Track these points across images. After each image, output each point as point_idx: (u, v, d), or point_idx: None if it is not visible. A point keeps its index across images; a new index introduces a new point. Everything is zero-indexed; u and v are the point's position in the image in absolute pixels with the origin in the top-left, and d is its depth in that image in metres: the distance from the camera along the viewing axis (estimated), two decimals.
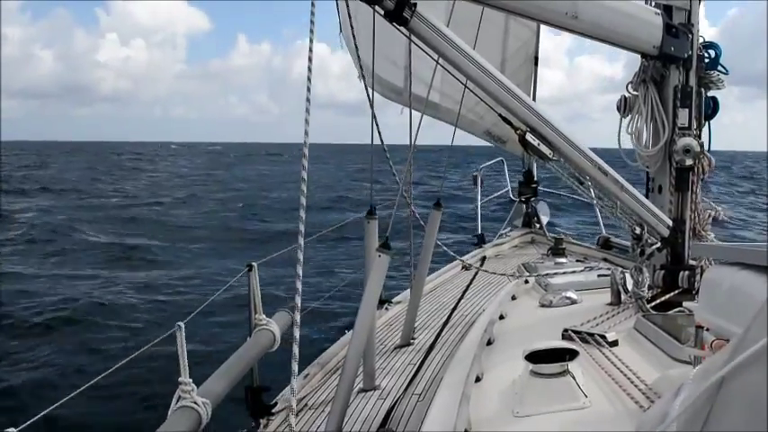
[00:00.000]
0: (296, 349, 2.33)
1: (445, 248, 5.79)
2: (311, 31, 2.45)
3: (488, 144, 8.33)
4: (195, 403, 2.25)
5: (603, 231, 7.66)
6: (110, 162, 71.54)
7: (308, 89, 2.39)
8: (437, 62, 3.23)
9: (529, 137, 3.31)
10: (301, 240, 2.38)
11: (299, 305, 2.39)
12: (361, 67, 4.43)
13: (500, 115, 3.45)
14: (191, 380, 2.26)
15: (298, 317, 2.40)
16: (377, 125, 3.57)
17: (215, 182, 43.23)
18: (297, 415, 3.66)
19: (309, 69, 2.41)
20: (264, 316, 2.96)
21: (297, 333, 2.37)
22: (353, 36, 4.07)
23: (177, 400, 2.25)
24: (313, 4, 2.46)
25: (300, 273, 2.38)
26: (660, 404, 1.08)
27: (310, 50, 2.44)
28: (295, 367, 2.30)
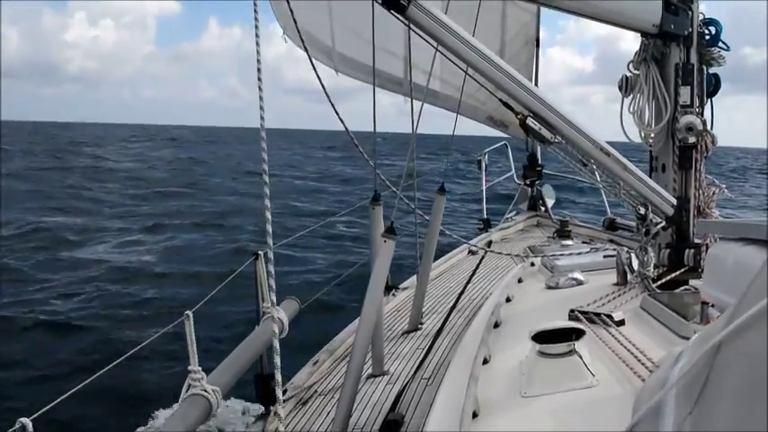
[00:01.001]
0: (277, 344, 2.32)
1: (451, 235, 5.83)
2: (256, 19, 2.39)
3: (485, 135, 8.33)
4: (205, 391, 2.27)
5: (609, 212, 7.66)
6: (51, 144, 67.99)
7: (259, 78, 2.35)
8: (436, 49, 3.24)
9: (530, 121, 3.31)
10: (269, 237, 2.33)
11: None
12: (302, 39, 4.45)
13: (500, 100, 3.45)
14: (200, 368, 2.28)
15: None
16: (374, 116, 3.58)
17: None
18: (307, 402, 3.69)
19: (259, 63, 2.37)
20: (272, 303, 2.98)
21: (276, 329, 2.35)
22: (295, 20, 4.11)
23: (187, 389, 2.28)
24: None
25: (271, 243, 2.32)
26: (659, 372, 1.09)
27: (257, 46, 2.39)
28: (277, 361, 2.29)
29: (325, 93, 4.05)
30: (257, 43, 2.32)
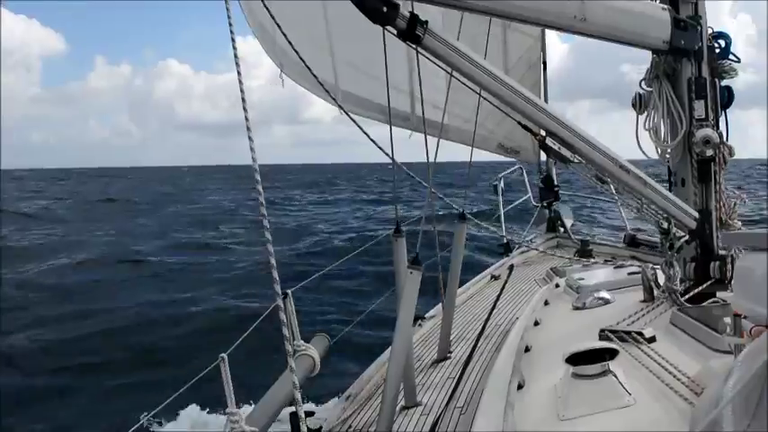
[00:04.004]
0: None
1: (479, 223, 5.79)
2: (233, 38, 2.39)
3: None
4: None
5: (628, 229, 7.64)
6: None
7: (244, 107, 2.35)
8: (451, 75, 3.26)
9: (549, 141, 3.33)
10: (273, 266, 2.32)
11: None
12: (320, 82, 4.47)
13: (519, 122, 3.47)
14: (239, 410, 2.29)
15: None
16: (391, 150, 3.60)
17: None
18: None
19: (242, 90, 2.37)
20: (303, 341, 2.99)
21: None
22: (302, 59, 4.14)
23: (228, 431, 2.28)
24: (230, 17, 2.41)
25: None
26: (712, 390, 1.09)
27: (238, 71, 2.39)
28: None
29: (362, 130, 4.03)
30: (240, 81, 2.33)
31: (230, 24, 2.36)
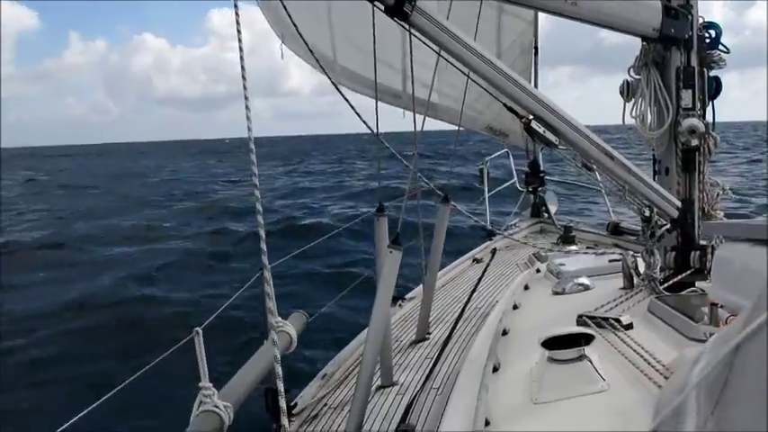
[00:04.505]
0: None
1: (471, 216, 5.79)
2: (237, 22, 2.38)
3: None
4: (217, 407, 2.26)
5: (612, 217, 7.67)
6: None
7: (244, 86, 2.34)
8: (439, 54, 3.24)
9: (534, 124, 3.31)
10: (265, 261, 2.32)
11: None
12: (315, 57, 4.45)
13: (504, 105, 3.46)
14: (211, 384, 2.28)
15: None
16: (376, 127, 3.58)
17: None
18: (317, 416, 3.68)
19: (243, 69, 2.35)
20: (280, 318, 2.98)
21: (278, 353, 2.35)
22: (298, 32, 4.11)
23: (199, 405, 2.27)
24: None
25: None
26: (679, 374, 1.09)
27: (241, 51, 2.38)
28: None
29: (347, 102, 4.03)
30: (241, 57, 2.31)
31: (236, 6, 2.33)
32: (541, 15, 8.17)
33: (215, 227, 19.99)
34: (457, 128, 5.85)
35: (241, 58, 2.27)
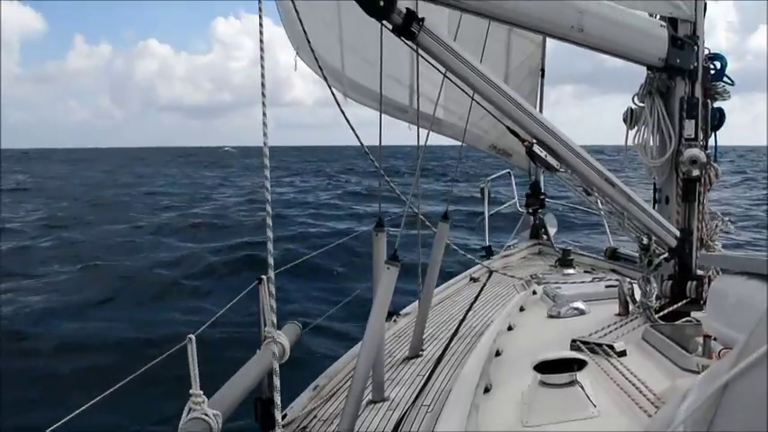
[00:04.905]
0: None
1: (458, 249, 5.84)
2: (261, 32, 2.42)
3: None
4: (206, 415, 2.26)
5: (611, 242, 7.67)
6: None
7: (263, 93, 2.36)
8: (444, 75, 3.26)
9: (536, 148, 3.33)
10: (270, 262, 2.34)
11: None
12: (321, 68, 4.49)
13: (507, 127, 3.48)
14: (201, 392, 2.28)
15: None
16: (379, 143, 3.59)
17: None
18: (306, 427, 3.67)
19: (263, 76, 2.38)
20: (274, 328, 2.98)
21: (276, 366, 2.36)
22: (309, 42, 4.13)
23: (188, 412, 2.27)
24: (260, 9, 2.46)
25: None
26: (667, 409, 1.09)
27: (262, 59, 2.40)
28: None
29: (343, 114, 4.07)
30: (262, 66, 2.34)
31: (260, 9, 2.37)
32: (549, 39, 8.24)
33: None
34: (461, 147, 5.88)
35: (262, 66, 2.31)
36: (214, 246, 16.74)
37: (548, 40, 8.19)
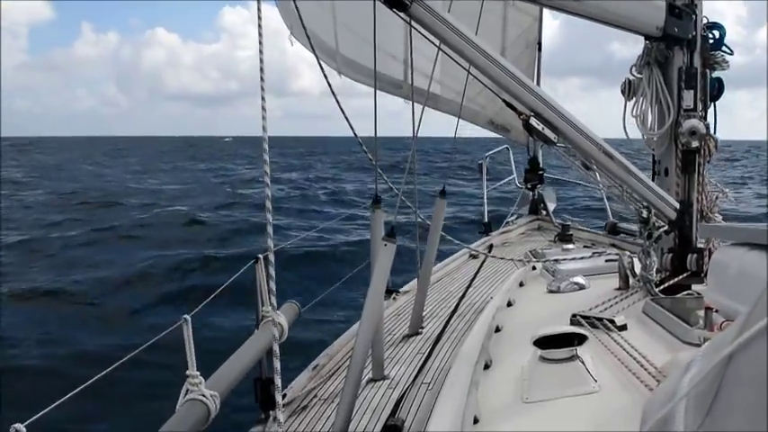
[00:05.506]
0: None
1: (452, 239, 5.82)
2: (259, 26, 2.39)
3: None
4: (203, 396, 2.24)
5: (611, 217, 7.65)
6: None
7: (262, 84, 2.33)
8: (439, 47, 3.21)
9: (533, 121, 3.29)
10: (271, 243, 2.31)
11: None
12: (312, 45, 4.43)
13: (504, 101, 3.43)
14: (198, 372, 2.26)
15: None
16: (375, 120, 3.55)
17: None
18: (306, 407, 3.66)
19: (261, 70, 2.35)
20: (272, 308, 2.96)
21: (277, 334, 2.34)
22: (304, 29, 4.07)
23: (185, 393, 2.25)
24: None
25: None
26: (668, 382, 1.06)
27: (261, 52, 2.37)
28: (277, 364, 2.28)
29: (334, 96, 4.01)
30: (260, 51, 2.30)
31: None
32: (546, 13, 8.15)
33: None
34: (456, 123, 5.82)
35: (261, 60, 2.28)
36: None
37: (545, 14, 8.15)
